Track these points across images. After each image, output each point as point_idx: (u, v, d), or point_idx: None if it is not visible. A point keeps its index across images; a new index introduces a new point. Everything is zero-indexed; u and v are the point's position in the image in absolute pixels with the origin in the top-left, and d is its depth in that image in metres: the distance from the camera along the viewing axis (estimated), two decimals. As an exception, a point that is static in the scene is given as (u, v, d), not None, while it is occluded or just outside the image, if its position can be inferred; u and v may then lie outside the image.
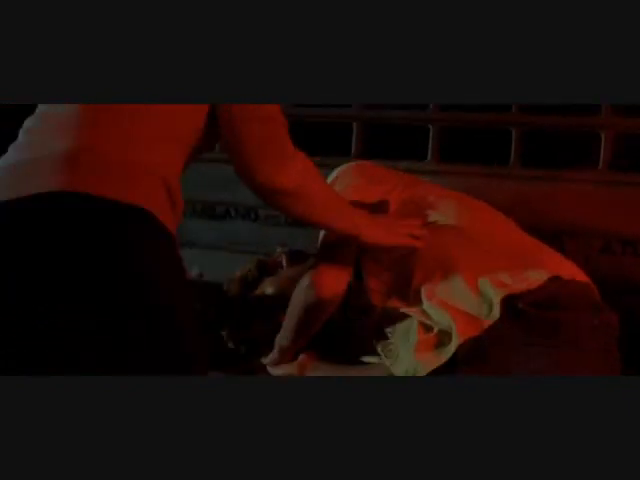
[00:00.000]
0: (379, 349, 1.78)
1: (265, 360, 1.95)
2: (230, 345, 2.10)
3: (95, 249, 1.23)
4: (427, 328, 1.63)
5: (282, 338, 1.90)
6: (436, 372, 1.57)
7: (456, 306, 1.58)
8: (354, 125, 2.38)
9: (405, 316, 1.69)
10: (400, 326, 1.70)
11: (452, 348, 1.56)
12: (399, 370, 1.66)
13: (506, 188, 2.19)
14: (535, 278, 1.58)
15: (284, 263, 2.07)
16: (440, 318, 1.60)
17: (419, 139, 2.31)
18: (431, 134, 2.30)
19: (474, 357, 1.54)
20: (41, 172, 1.30)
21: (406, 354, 1.65)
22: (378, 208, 1.78)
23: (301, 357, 1.95)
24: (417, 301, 1.65)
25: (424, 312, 1.63)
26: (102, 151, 1.32)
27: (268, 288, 2.04)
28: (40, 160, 1.32)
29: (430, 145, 2.30)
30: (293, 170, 1.51)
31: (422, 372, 1.59)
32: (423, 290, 1.64)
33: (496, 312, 1.54)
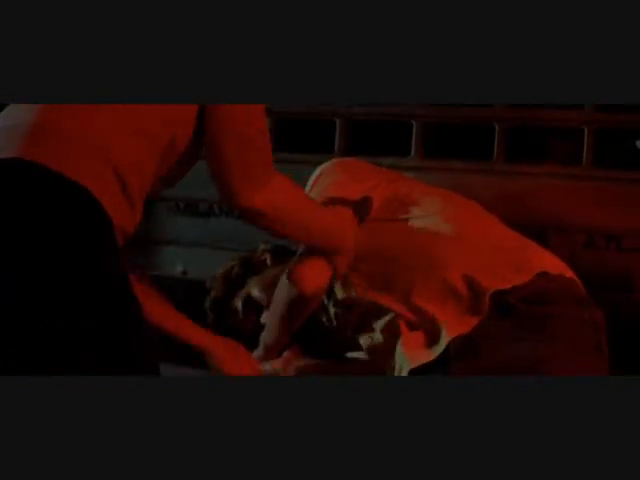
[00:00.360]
0: (362, 342, 1.78)
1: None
2: None
3: (28, 220, 1.26)
4: (411, 325, 1.63)
5: (266, 335, 1.90)
6: (429, 368, 1.57)
7: (444, 303, 1.58)
8: (337, 121, 2.38)
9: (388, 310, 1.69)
10: (383, 320, 1.70)
11: (441, 345, 1.56)
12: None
13: (490, 184, 2.19)
14: (523, 274, 1.58)
15: (268, 262, 2.06)
16: (424, 317, 1.60)
17: (403, 135, 2.31)
18: (414, 130, 2.30)
19: (466, 352, 1.55)
20: (4, 139, 1.36)
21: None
22: (361, 205, 1.78)
23: (286, 353, 1.95)
24: (401, 297, 1.65)
25: (408, 308, 1.63)
26: (63, 128, 1.36)
27: (253, 288, 2.04)
28: (5, 129, 1.39)
29: (414, 141, 2.30)
30: (271, 192, 1.55)
31: (408, 367, 1.59)
32: (408, 286, 1.64)
33: (484, 308, 1.55)
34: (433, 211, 1.77)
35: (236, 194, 1.53)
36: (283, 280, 1.79)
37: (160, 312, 1.70)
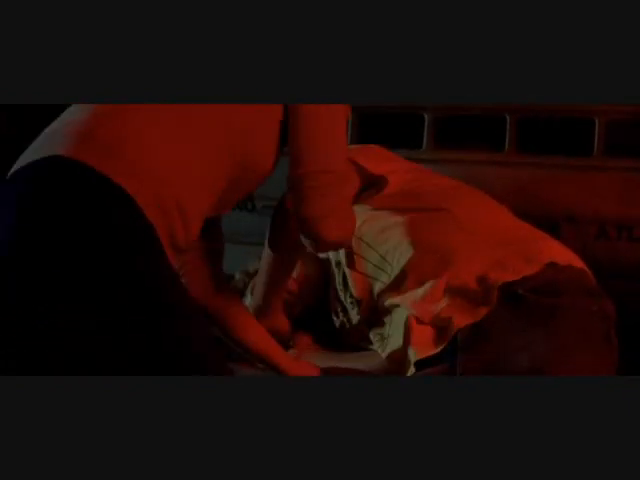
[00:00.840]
0: (371, 336, 1.79)
1: None
2: None
3: (72, 224, 1.26)
4: (420, 319, 1.63)
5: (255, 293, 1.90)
6: (437, 359, 1.58)
7: (453, 298, 1.59)
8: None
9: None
10: (394, 314, 1.71)
11: (449, 336, 1.57)
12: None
13: (502, 175, 2.19)
14: (532, 265, 1.59)
15: None
16: (433, 312, 1.60)
17: (415, 127, 2.32)
18: (426, 122, 2.31)
19: (474, 343, 1.55)
20: (53, 138, 1.35)
21: (399, 340, 1.67)
22: (376, 180, 1.79)
23: (297, 345, 1.96)
24: (411, 293, 1.66)
25: (418, 304, 1.63)
26: (119, 136, 1.34)
27: None
28: (58, 128, 1.38)
29: (425, 133, 2.31)
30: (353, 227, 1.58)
31: (414, 358, 1.60)
32: (418, 283, 1.65)
33: (493, 300, 1.55)
34: (444, 204, 1.77)
35: (326, 236, 1.51)
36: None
37: (250, 330, 1.74)
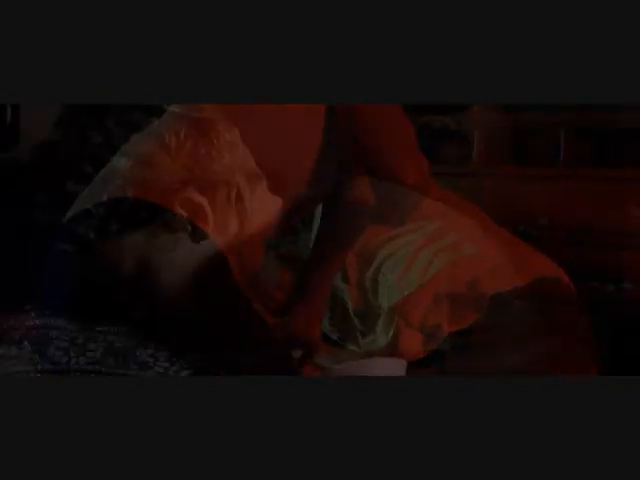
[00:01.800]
0: (363, 345, 1.83)
1: None
2: None
3: None
4: (410, 324, 1.69)
5: None
6: (426, 363, 1.62)
7: (444, 307, 1.64)
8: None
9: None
10: (384, 322, 1.76)
11: (436, 341, 1.63)
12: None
13: (473, 186, 2.25)
14: (520, 276, 1.65)
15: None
16: (425, 321, 1.66)
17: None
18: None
19: (462, 348, 1.60)
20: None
21: (385, 341, 1.72)
22: None
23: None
24: (402, 302, 1.69)
25: (409, 314, 1.68)
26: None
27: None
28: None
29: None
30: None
31: (405, 362, 1.64)
32: (410, 294, 1.70)
33: (483, 307, 1.62)
34: (437, 215, 1.81)
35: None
36: None
37: None
